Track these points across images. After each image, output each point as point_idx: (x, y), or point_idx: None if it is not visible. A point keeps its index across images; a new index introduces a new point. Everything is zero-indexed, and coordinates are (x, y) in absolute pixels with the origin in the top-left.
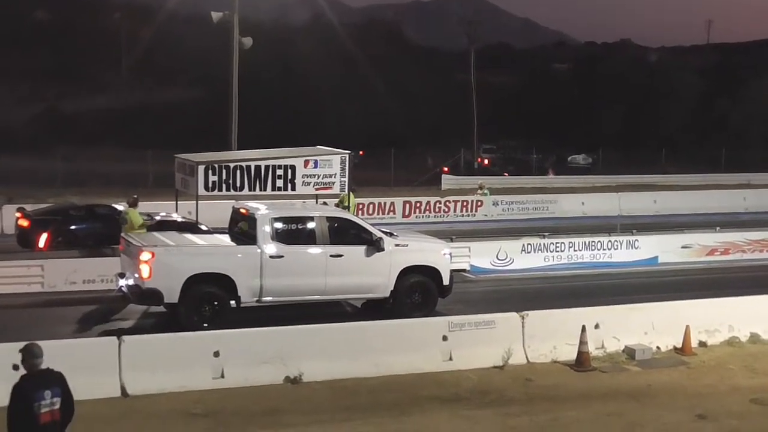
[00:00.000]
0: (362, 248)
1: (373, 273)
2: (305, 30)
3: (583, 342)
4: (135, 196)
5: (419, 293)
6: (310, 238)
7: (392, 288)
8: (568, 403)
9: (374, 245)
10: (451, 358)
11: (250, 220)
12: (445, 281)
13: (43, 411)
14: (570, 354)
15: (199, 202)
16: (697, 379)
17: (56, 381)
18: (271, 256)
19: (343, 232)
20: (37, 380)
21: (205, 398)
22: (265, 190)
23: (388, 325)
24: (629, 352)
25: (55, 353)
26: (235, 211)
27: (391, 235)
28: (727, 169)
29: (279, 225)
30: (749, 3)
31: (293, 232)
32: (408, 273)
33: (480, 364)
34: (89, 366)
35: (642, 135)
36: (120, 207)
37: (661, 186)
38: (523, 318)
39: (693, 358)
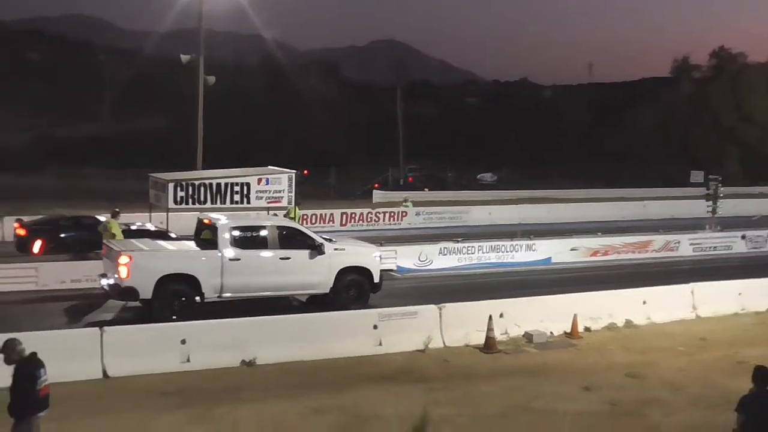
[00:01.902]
0: (306, 252)
1: (315, 273)
2: (259, 69)
3: (490, 329)
4: (117, 209)
5: (354, 289)
6: (262, 243)
7: (332, 285)
8: (479, 379)
9: (317, 249)
10: (380, 344)
11: (213, 228)
12: (376, 279)
13: (44, 386)
14: (480, 339)
15: (169, 214)
16: (583, 358)
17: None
18: (230, 259)
19: (291, 239)
20: (34, 362)
21: (174, 379)
22: (225, 203)
23: (328, 316)
24: (528, 337)
25: (47, 342)
26: (200, 221)
27: (330, 240)
28: (607, 185)
29: (236, 233)
30: (622, 50)
31: (248, 239)
32: (345, 272)
33: (405, 348)
34: (76, 352)
35: (538, 157)
36: (102, 218)
37: (554, 199)
38: (440, 309)
39: (580, 341)
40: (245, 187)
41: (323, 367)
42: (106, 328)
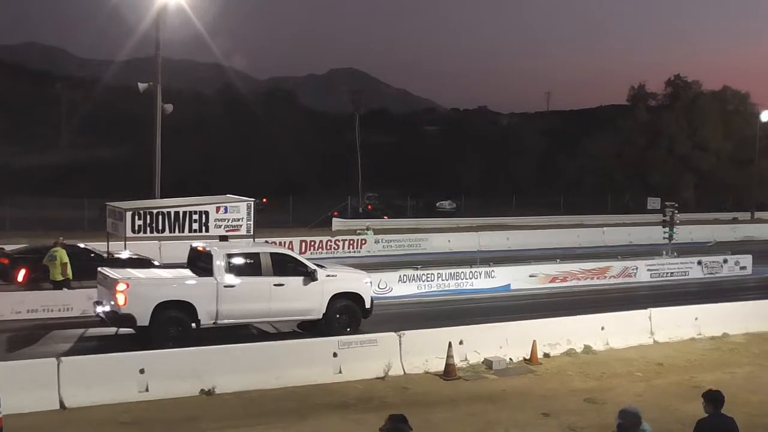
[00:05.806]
0: (300, 278)
1: (309, 299)
2: (218, 97)
3: (449, 356)
4: (61, 238)
5: (346, 315)
6: (257, 270)
7: (324, 311)
8: (438, 406)
9: (309, 276)
10: (340, 371)
11: (207, 256)
12: (367, 305)
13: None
14: (439, 366)
15: (127, 242)
16: (542, 384)
17: None
18: (225, 286)
19: (284, 265)
20: None
21: (132, 409)
22: (183, 232)
23: (288, 344)
24: (488, 363)
25: (3, 373)
26: (193, 250)
27: (322, 267)
28: (565, 212)
29: (231, 260)
30: (580, 79)
31: (243, 266)
32: (337, 298)
33: (365, 376)
34: (33, 383)
35: (497, 184)
36: (82, 246)
37: (513, 226)
38: (400, 337)
39: (539, 367)
40: (204, 216)
41: (283, 396)
42: (63, 358)
